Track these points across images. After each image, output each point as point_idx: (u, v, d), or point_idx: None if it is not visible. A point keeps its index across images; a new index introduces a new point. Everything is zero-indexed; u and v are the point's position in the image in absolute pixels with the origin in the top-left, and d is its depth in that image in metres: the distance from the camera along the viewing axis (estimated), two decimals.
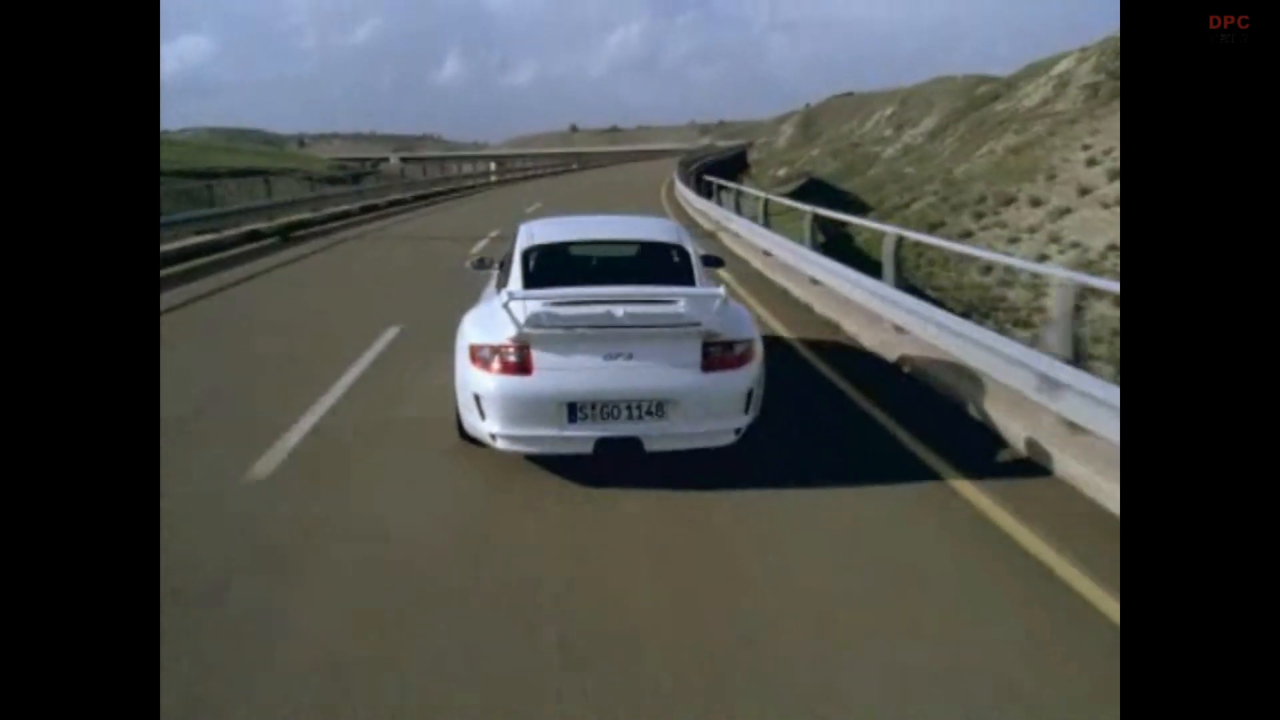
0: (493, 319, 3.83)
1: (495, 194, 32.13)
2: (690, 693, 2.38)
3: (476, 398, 3.77)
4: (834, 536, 3.45)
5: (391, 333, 6.96)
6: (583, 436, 3.71)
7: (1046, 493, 3.77)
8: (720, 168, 35.99)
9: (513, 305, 3.63)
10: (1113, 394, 3.46)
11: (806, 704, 2.34)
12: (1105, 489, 3.52)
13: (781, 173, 70.68)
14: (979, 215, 21.47)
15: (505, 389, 3.69)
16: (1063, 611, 2.81)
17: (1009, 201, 21.23)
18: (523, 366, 3.68)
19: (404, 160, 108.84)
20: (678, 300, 3.85)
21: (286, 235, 15.07)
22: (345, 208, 20.16)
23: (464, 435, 4.09)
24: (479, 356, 3.79)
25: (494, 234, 13.43)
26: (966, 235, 17.94)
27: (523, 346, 3.67)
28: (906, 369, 5.86)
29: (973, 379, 5.03)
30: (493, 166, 76.80)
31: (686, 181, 23.33)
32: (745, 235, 12.34)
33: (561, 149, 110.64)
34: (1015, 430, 4.39)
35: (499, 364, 3.72)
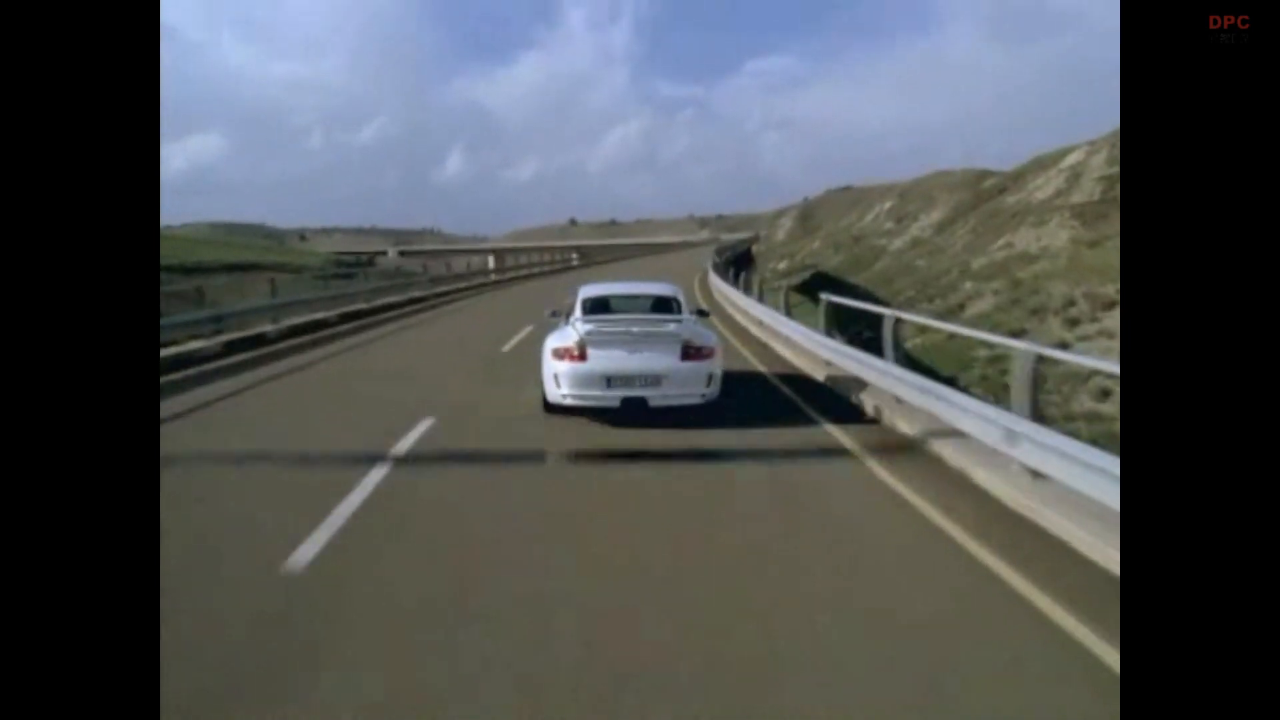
0: (564, 334, 6.98)
1: (474, 309, 20.66)
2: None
3: (555, 376, 6.72)
4: None
5: None
6: (614, 396, 6.61)
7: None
8: (741, 259, 37.37)
9: (577, 324, 6.97)
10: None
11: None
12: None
13: (782, 265, 70.04)
14: (1072, 322, 18.27)
15: (572, 369, 6.63)
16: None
17: (1110, 305, 18.03)
18: (582, 357, 6.63)
19: (402, 254, 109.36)
20: (668, 323, 7.04)
21: None
22: (196, 346, 11.30)
23: (547, 406, 7.00)
24: (557, 354, 6.76)
25: (423, 428, 6.60)
26: (1063, 346, 15.12)
27: (582, 346, 6.65)
28: None
29: None
30: (491, 261, 76.01)
31: (732, 281, 17.92)
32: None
33: (561, 242, 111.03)
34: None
35: (568, 357, 6.67)
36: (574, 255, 57.47)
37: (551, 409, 6.90)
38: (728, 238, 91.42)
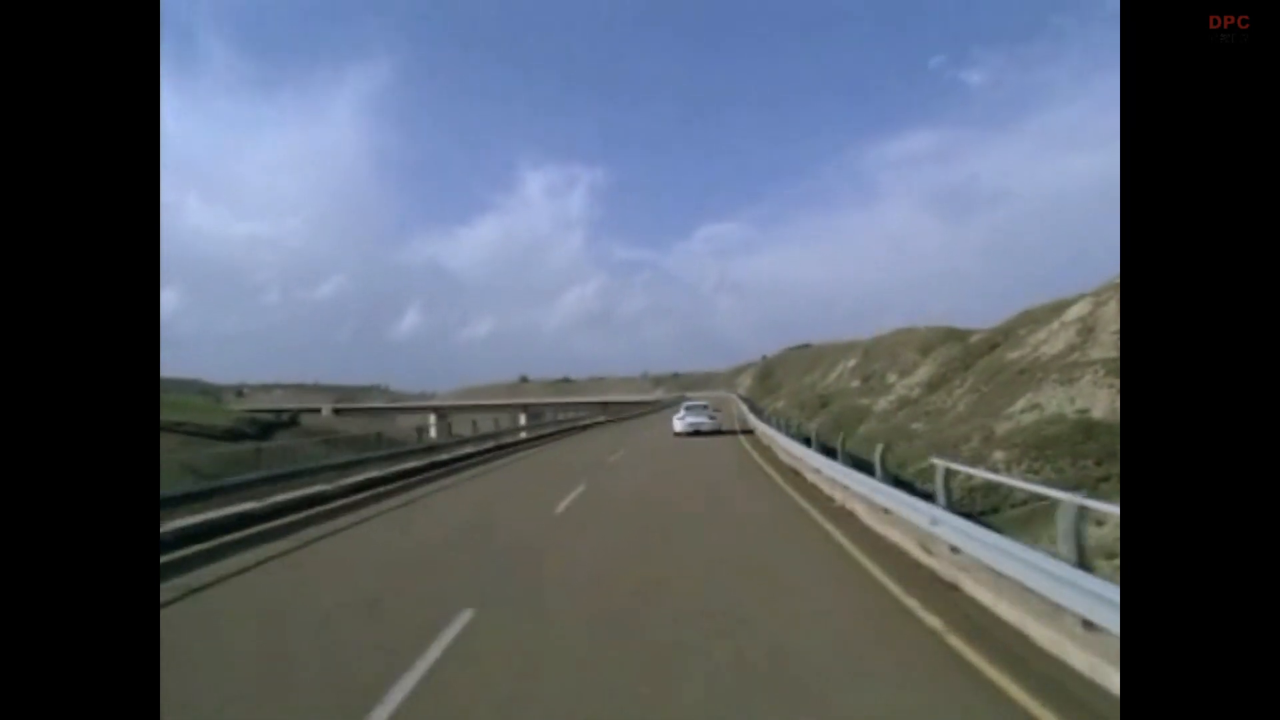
0: (678, 412, 38.85)
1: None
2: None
3: (675, 424, 35.86)
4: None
5: None
6: (692, 429, 34.65)
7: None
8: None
9: (682, 409, 39.44)
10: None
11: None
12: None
13: None
14: None
15: (681, 421, 35.85)
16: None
17: None
18: (683, 419, 35.86)
19: (337, 412, 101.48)
20: (707, 409, 38.79)
21: None
22: None
23: (674, 434, 34.40)
24: (677, 418, 36.59)
25: None
26: None
27: (684, 414, 36.86)
28: None
29: None
30: (432, 423, 69.34)
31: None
32: None
33: (509, 400, 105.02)
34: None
35: (679, 419, 36.20)
36: (523, 417, 50.87)
37: (677, 435, 33.12)
38: (693, 395, 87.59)
